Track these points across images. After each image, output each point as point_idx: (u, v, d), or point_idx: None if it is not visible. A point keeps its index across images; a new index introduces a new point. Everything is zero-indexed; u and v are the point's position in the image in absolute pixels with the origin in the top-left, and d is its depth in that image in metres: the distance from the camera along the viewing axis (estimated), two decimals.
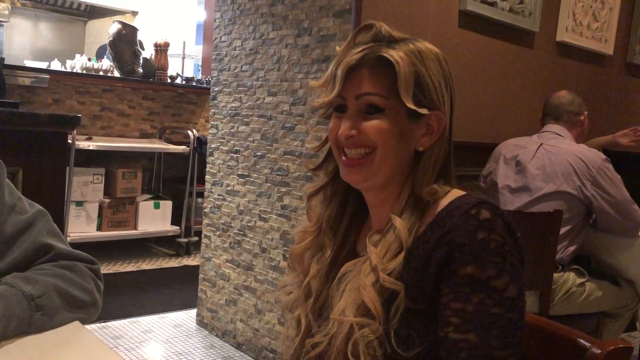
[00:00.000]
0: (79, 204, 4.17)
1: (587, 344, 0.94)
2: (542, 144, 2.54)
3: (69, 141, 3.85)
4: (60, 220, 1.88)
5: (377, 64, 0.92)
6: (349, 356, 0.88)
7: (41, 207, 1.17)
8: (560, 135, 2.57)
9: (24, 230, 1.10)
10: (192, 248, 4.66)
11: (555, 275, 2.35)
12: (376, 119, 0.92)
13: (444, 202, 0.92)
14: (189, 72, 5.94)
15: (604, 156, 2.43)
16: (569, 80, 3.44)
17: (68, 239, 4.00)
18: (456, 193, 0.93)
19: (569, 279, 2.41)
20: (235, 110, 3.04)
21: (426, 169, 0.94)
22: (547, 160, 2.46)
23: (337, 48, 0.98)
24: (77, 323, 1.07)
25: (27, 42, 7.07)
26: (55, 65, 4.82)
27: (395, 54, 0.91)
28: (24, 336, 0.99)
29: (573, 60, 3.52)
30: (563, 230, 2.33)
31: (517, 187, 2.52)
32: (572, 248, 2.44)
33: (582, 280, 2.44)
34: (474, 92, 2.99)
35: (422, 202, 0.93)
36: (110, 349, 1.02)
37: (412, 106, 0.90)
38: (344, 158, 0.96)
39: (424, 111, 0.92)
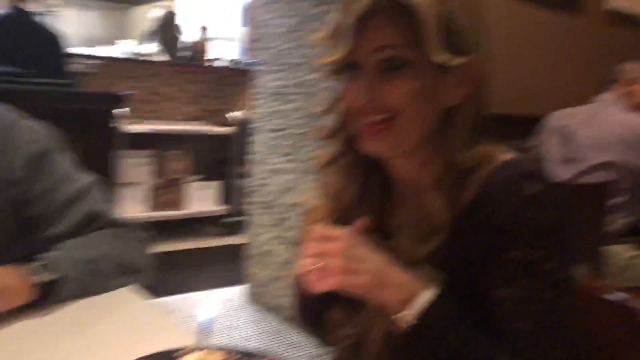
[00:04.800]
0: (131, 185, 4.30)
1: None
2: (592, 113, 2.46)
3: (120, 124, 3.96)
4: (110, 189, 1.94)
5: (393, 9, 0.76)
6: (386, 351, 0.81)
7: (94, 177, 1.22)
8: (612, 104, 2.48)
9: (78, 197, 1.15)
10: (239, 227, 4.74)
11: (608, 248, 2.28)
12: (398, 77, 0.78)
13: (485, 173, 0.80)
14: (233, 54, 5.99)
15: None
16: (618, 50, 3.30)
17: None
18: (500, 156, 0.82)
19: (622, 251, 2.34)
20: (278, 88, 3.06)
21: (460, 128, 0.81)
22: (598, 129, 2.39)
23: None
24: (128, 288, 1.12)
25: (77, 30, 7.27)
26: (104, 52, 4.95)
27: None
28: (79, 300, 1.04)
29: (624, 29, 3.37)
30: (615, 201, 2.26)
31: (566, 159, 2.46)
32: (625, 220, 2.37)
33: (638, 252, 2.36)
34: (518, 62, 2.91)
35: (456, 170, 0.81)
36: (160, 311, 1.06)
37: (439, 58, 0.76)
38: (363, 124, 0.82)
39: (455, 62, 0.77)
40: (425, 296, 0.76)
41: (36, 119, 1.21)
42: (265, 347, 2.74)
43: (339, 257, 0.77)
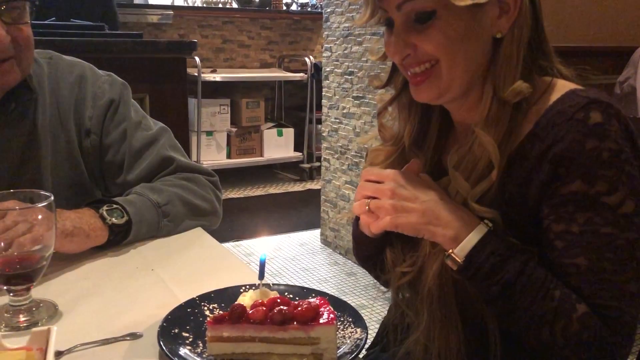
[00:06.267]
0: (209, 133, 4.43)
1: None
2: None
3: (195, 74, 4.07)
4: (187, 137, 2.02)
5: None
6: (442, 287, 0.81)
7: (163, 125, 1.26)
8: None
9: (149, 144, 1.19)
10: (314, 173, 4.81)
11: None
12: (429, 27, 0.76)
13: (544, 103, 0.77)
14: None
15: None
16: None
17: None
18: (561, 87, 0.78)
19: None
20: (348, 30, 3.00)
21: (509, 59, 0.77)
22: None
23: None
24: (199, 229, 1.17)
25: None
26: (179, 1, 5.03)
27: None
28: (153, 239, 1.10)
29: None
30: None
31: None
32: None
33: None
34: None
35: (509, 103, 0.77)
36: (227, 250, 1.10)
37: (463, 1, 0.72)
38: (409, 74, 0.81)
39: (480, 0, 0.72)
40: (474, 235, 0.75)
41: (110, 70, 1.26)
42: (339, 289, 2.81)
43: (389, 197, 0.78)
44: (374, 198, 0.80)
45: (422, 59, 0.78)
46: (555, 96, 0.78)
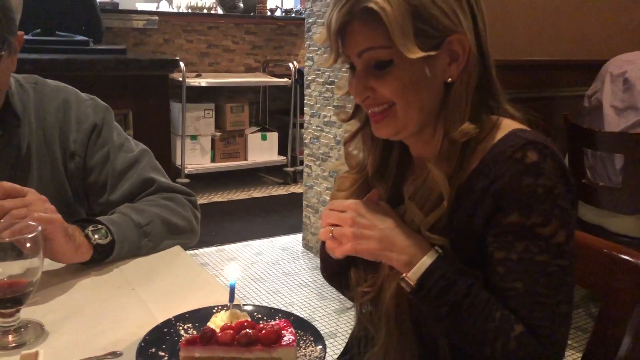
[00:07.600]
0: (194, 137, 4.49)
1: None
2: None
3: (180, 78, 4.12)
4: (168, 153, 2.09)
5: (365, 15, 0.81)
6: (398, 306, 0.90)
7: (145, 146, 1.33)
8: None
9: (131, 166, 1.26)
10: (298, 176, 4.88)
11: None
12: (386, 74, 0.84)
13: (489, 142, 0.85)
14: (288, 4, 5.98)
15: None
16: None
17: (185, 170, 4.35)
18: (505, 126, 0.87)
19: None
20: None
21: (458, 102, 0.85)
22: None
23: None
24: (178, 247, 1.24)
25: None
26: (164, 7, 5.07)
27: (379, 0, 0.79)
28: (134, 258, 1.17)
29: None
30: None
31: (624, 107, 2.37)
32: None
33: None
34: (578, 5, 2.78)
35: (458, 142, 0.85)
36: (203, 268, 1.17)
37: (415, 55, 0.80)
38: (369, 112, 0.90)
39: (432, 53, 0.81)
40: (425, 261, 0.84)
41: (93, 87, 1.31)
42: (319, 294, 2.88)
43: (350, 225, 0.87)
44: (338, 226, 0.89)
45: (380, 100, 0.87)
46: (499, 135, 0.86)
